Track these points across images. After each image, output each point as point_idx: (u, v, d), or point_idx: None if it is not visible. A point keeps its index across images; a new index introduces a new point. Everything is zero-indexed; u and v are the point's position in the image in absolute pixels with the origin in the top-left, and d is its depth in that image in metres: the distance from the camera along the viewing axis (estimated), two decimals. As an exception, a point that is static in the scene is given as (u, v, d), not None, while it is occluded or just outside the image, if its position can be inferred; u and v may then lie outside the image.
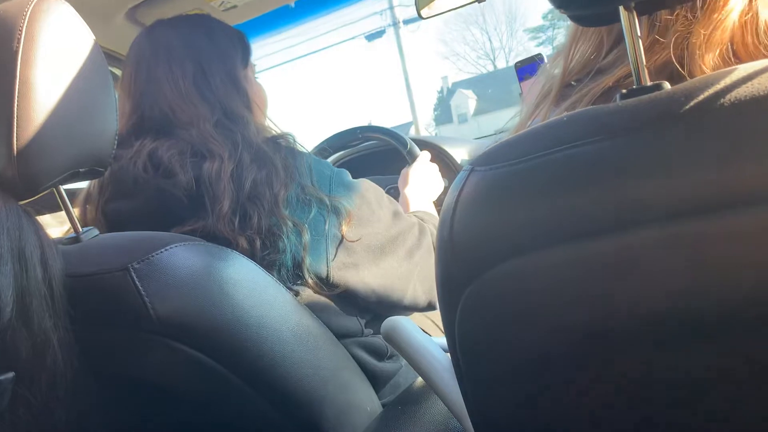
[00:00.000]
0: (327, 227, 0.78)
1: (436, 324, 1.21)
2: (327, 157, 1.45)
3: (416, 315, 1.17)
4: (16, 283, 0.53)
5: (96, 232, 0.69)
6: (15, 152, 0.59)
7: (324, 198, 0.79)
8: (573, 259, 0.39)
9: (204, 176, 0.74)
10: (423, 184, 1.15)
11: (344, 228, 0.80)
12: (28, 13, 0.61)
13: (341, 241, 0.79)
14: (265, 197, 0.74)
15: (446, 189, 1.25)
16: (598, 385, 0.42)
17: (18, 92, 0.59)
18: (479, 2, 1.07)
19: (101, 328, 0.63)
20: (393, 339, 0.82)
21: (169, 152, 0.76)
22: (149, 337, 0.63)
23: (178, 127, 0.79)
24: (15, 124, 0.59)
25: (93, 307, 0.62)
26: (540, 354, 0.43)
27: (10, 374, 0.52)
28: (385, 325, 0.83)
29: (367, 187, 0.86)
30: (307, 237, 0.76)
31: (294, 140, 0.83)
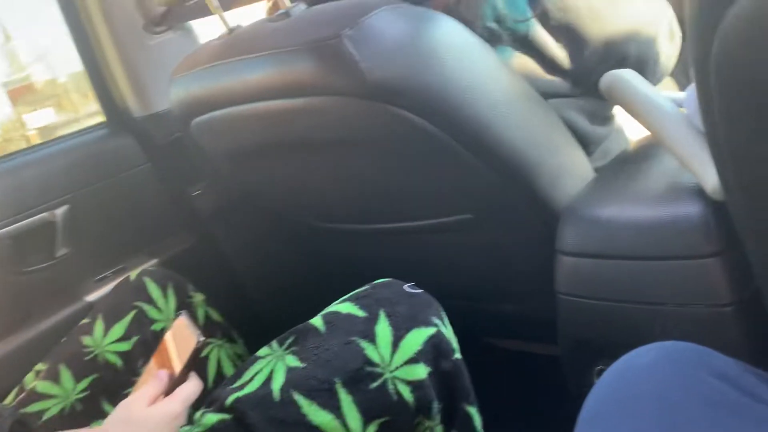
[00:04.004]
0: None
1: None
2: None
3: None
4: None
5: (303, 6, 0.67)
6: None
7: None
8: None
9: None
10: None
11: None
12: None
13: None
14: None
15: None
16: None
17: None
18: None
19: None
20: (615, 92, 0.74)
21: None
22: (367, 103, 0.62)
23: None
24: None
25: (307, 76, 0.63)
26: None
27: None
28: (605, 78, 0.75)
29: None
30: None
31: None
